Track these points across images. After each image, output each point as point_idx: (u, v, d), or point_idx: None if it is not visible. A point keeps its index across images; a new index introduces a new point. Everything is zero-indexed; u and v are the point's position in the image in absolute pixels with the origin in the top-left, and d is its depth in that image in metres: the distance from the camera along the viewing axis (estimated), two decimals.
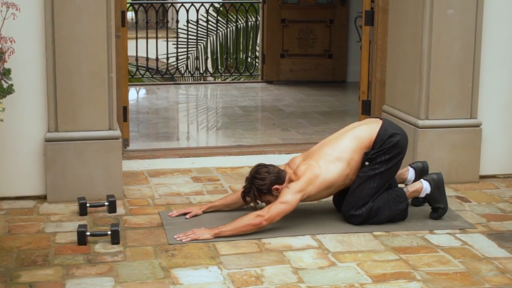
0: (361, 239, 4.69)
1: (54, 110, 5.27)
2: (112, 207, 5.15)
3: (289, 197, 4.72)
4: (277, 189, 4.83)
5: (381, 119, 5.09)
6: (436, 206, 5.06)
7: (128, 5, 12.08)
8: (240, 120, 8.06)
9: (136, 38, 10.91)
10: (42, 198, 5.38)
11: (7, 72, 4.56)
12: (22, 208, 5.22)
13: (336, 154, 4.88)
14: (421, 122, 5.81)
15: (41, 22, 5.18)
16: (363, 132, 4.96)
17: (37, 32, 5.19)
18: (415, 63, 5.84)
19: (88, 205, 5.13)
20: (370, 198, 4.88)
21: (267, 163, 5.00)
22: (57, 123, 5.29)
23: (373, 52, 6.57)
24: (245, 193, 4.91)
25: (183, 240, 4.63)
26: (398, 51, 6.16)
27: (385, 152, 4.88)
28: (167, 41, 11.23)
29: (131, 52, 10.82)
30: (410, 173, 5.28)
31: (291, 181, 4.84)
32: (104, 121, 5.35)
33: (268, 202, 4.87)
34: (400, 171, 5.24)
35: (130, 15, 14.27)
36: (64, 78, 5.23)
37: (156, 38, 11.03)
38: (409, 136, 5.81)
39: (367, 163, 4.90)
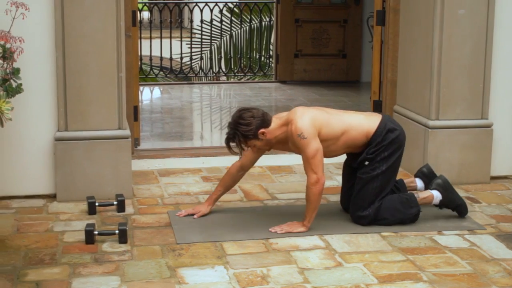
0: (369, 240, 4.67)
1: (63, 109, 5.29)
2: (121, 206, 5.16)
3: (310, 150, 4.66)
4: (263, 132, 4.74)
5: (380, 114, 5.05)
6: (456, 206, 5.04)
7: (142, 5, 12.14)
8: None
9: (150, 37, 10.95)
10: (52, 197, 5.40)
11: (16, 72, 4.58)
12: (31, 207, 5.24)
13: (336, 118, 4.85)
14: (431, 123, 5.78)
15: (50, 21, 5.20)
16: (363, 120, 4.90)
17: (46, 32, 5.21)
18: (426, 63, 5.82)
19: (97, 204, 5.14)
20: (375, 197, 4.85)
21: (249, 107, 4.92)
22: (66, 122, 5.31)
23: (385, 52, 6.55)
24: (229, 139, 4.76)
25: (278, 232, 4.71)
26: (409, 51, 6.14)
27: (384, 149, 4.83)
28: (181, 40, 11.25)
29: (145, 51, 10.91)
30: (419, 183, 5.22)
31: (288, 122, 4.75)
32: (113, 120, 5.37)
33: (253, 147, 4.82)
34: (407, 182, 5.19)
35: (146, 15, 14.33)
36: (73, 77, 5.25)
37: (170, 37, 11.07)
38: (420, 136, 5.83)
39: (367, 162, 4.86)
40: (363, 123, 4.88)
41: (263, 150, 4.99)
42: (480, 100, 5.83)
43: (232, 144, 4.79)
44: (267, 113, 4.82)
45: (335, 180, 5.86)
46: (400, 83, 6.33)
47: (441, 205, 5.03)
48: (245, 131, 4.71)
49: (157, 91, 10.43)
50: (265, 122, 4.76)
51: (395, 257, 4.41)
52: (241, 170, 5.10)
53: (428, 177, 5.19)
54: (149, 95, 10.11)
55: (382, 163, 4.84)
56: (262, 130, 4.74)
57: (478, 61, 5.77)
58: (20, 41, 4.58)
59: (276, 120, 4.82)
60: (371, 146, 4.85)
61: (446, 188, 5.01)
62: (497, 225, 4.99)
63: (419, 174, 5.27)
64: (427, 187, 5.16)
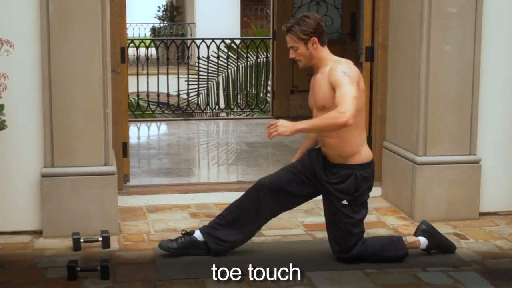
0: (351, 277, 4.64)
1: (50, 146, 5.30)
2: (106, 243, 5.15)
3: (350, 89, 4.51)
4: (314, 42, 4.67)
5: None
6: (443, 248, 5.04)
7: (139, 41, 12.23)
8: (244, 156, 8.05)
9: (147, 74, 11.01)
10: (38, 233, 5.39)
11: (0, 108, 4.62)
12: (17, 243, 5.23)
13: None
14: (419, 159, 5.77)
15: (36, 58, 5.23)
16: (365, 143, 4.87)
17: (32, 68, 5.24)
18: (413, 99, 5.83)
19: (82, 240, 5.13)
20: (358, 239, 4.78)
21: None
22: (53, 158, 5.32)
23: (374, 88, 6.56)
24: (288, 27, 4.68)
25: (273, 134, 4.63)
26: (397, 86, 6.15)
27: (363, 194, 4.81)
28: (178, 77, 11.31)
29: (142, 87, 10.97)
30: (422, 240, 5.06)
31: (333, 62, 4.72)
32: (100, 156, 5.38)
33: (297, 56, 4.71)
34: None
35: (145, 51, 14.40)
36: (60, 113, 5.27)
37: (167, 74, 11.11)
38: (408, 172, 5.83)
39: (345, 202, 4.78)
40: (364, 142, 4.81)
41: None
42: (468, 135, 5.82)
43: (290, 31, 4.69)
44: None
45: (323, 217, 5.83)
46: (389, 119, 6.34)
47: (428, 249, 5.02)
48: (306, 25, 4.66)
49: (154, 127, 10.46)
50: (323, 37, 4.75)
51: None
52: None
53: (429, 232, 5.08)
54: (146, 131, 10.14)
55: (362, 207, 4.82)
56: (315, 39, 4.69)
57: (465, 96, 5.77)
58: (4, 77, 4.61)
59: (328, 51, 4.80)
60: (356, 178, 4.73)
61: (431, 233, 5.01)
62: (482, 262, 4.95)
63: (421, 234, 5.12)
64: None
